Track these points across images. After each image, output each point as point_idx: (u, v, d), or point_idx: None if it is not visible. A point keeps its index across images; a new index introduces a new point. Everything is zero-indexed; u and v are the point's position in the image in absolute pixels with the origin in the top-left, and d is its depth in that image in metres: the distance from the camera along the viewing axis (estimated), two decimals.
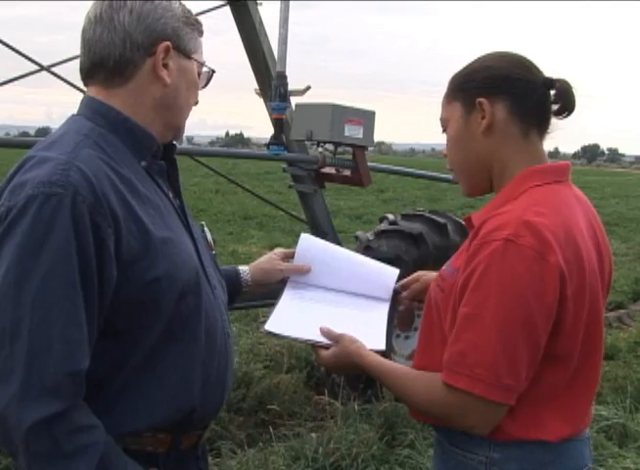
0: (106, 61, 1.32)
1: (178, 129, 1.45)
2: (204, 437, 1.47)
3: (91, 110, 1.35)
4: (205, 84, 1.49)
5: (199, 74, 1.45)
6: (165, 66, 1.35)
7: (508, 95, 1.42)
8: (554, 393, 1.37)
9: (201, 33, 1.44)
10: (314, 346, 1.59)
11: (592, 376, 1.43)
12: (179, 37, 1.37)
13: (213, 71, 1.49)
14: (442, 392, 1.33)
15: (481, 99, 1.42)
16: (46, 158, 1.23)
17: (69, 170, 1.19)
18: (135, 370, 1.28)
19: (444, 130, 1.52)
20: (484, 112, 1.42)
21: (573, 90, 1.43)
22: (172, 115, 1.41)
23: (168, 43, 1.34)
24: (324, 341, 1.57)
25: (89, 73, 1.37)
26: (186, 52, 1.39)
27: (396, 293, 1.84)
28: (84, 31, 1.35)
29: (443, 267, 1.50)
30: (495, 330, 1.27)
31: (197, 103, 1.48)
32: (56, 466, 1.14)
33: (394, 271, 1.89)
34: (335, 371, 1.61)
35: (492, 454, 1.37)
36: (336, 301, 1.78)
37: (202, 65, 1.45)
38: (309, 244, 1.88)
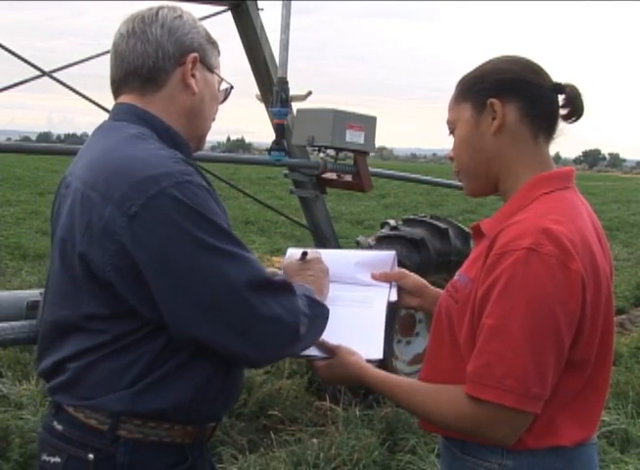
0: (140, 69, 1.42)
1: (201, 139, 1.54)
2: (216, 430, 1.55)
3: (135, 116, 1.42)
4: (224, 99, 1.59)
5: (218, 90, 1.55)
6: (193, 76, 1.45)
7: (519, 98, 1.42)
8: (568, 398, 1.36)
9: (219, 53, 1.54)
10: (309, 360, 1.57)
11: (604, 381, 1.43)
12: (205, 51, 1.48)
13: (232, 87, 1.59)
14: (469, 405, 1.32)
15: (493, 99, 1.42)
16: (143, 156, 1.30)
17: (178, 160, 1.31)
18: (187, 356, 1.36)
19: (451, 132, 1.51)
20: (495, 112, 1.42)
21: (582, 95, 1.44)
22: (200, 124, 1.50)
23: (196, 55, 1.45)
24: (318, 355, 1.54)
25: (122, 82, 1.45)
26: (209, 66, 1.50)
27: (395, 303, 1.74)
28: (116, 45, 1.44)
29: (456, 277, 1.48)
30: (523, 340, 1.26)
31: (214, 119, 1.56)
32: None
33: (390, 254, 1.82)
34: (331, 383, 1.59)
35: (505, 461, 1.36)
36: (331, 297, 1.67)
37: (222, 80, 1.56)
38: (294, 251, 1.77)
